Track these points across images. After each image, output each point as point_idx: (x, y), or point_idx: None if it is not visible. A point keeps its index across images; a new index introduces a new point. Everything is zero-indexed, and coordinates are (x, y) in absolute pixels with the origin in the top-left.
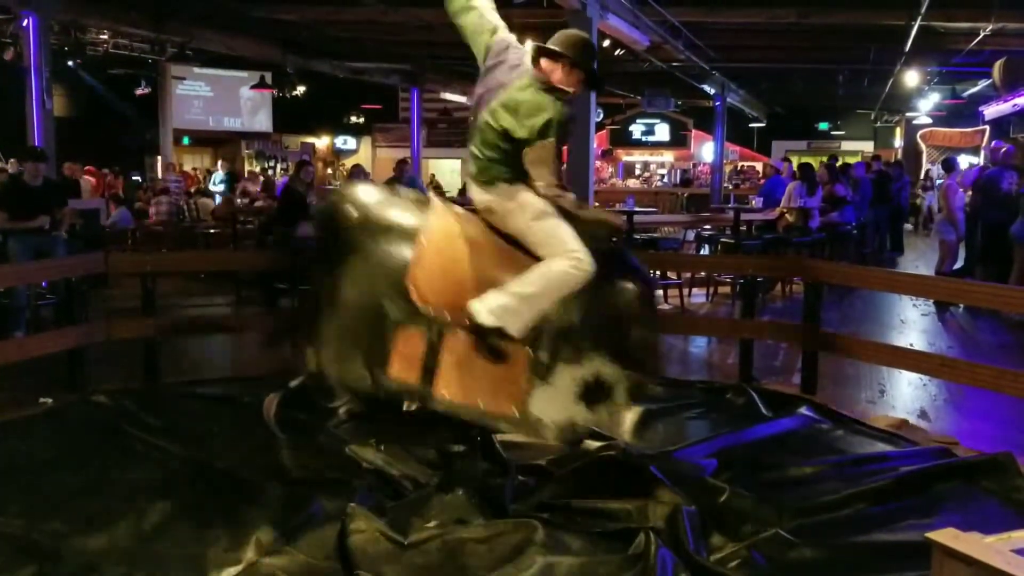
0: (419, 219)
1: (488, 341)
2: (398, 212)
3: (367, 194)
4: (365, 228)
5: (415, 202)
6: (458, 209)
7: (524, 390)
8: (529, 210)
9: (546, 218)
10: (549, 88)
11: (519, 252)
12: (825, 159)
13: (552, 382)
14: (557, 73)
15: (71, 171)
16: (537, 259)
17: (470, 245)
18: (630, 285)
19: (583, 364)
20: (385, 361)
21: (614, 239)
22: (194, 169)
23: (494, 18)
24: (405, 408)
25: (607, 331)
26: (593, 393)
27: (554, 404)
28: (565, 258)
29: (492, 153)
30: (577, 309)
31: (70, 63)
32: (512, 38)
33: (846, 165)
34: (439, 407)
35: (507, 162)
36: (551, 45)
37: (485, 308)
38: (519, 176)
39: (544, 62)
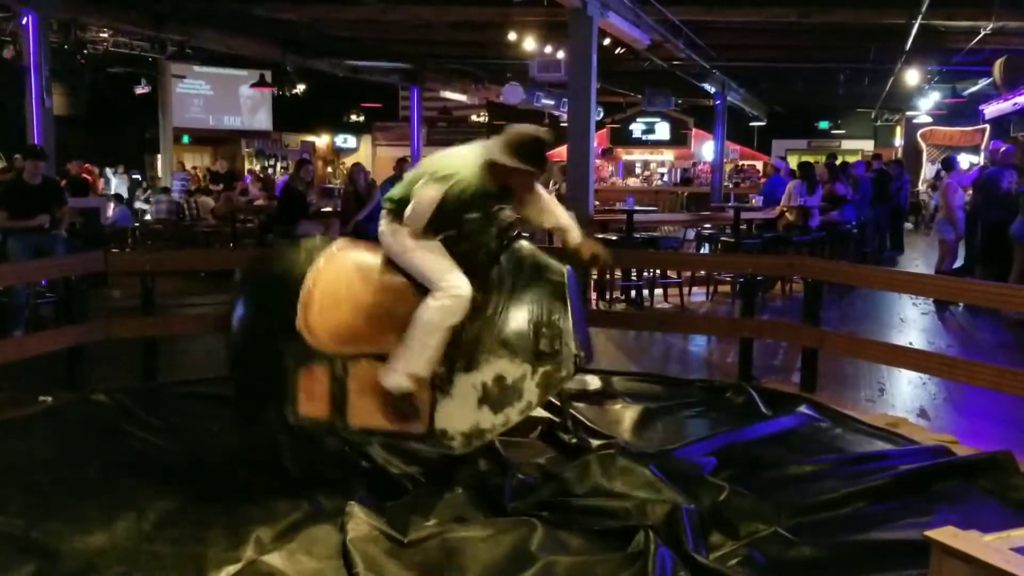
0: (300, 267)
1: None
2: (292, 263)
3: (272, 254)
4: (266, 282)
5: (313, 250)
6: (356, 247)
7: (427, 404)
8: (398, 244)
9: (412, 253)
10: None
11: (411, 281)
12: (824, 158)
13: (453, 392)
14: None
15: (78, 170)
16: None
17: (357, 280)
18: (530, 277)
19: (480, 369)
20: (294, 400)
21: (516, 234)
22: (194, 168)
23: None
24: None
25: (505, 329)
26: (499, 396)
27: (457, 414)
28: (434, 295)
29: (401, 195)
30: (468, 321)
31: (70, 61)
32: None
33: (845, 164)
34: (353, 436)
35: (398, 204)
36: (502, 139)
37: (393, 379)
38: (399, 216)
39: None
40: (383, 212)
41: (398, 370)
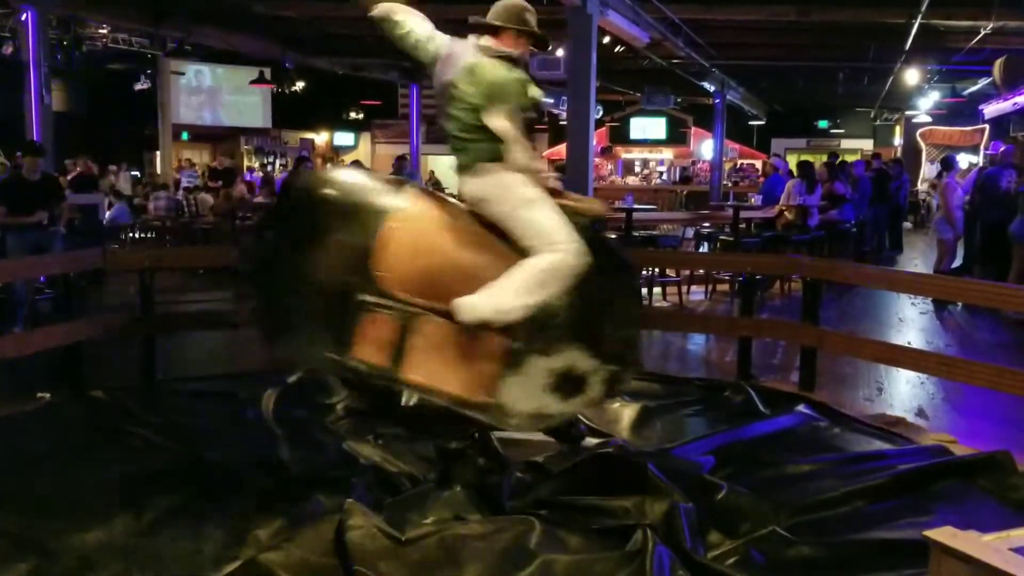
0: (390, 203)
1: (468, 332)
2: (369, 195)
3: (339, 175)
4: (333, 208)
5: (390, 185)
6: (435, 194)
7: (494, 377)
8: (514, 195)
9: (531, 206)
10: (499, 56)
11: (497, 238)
12: (825, 157)
13: (524, 372)
14: (504, 45)
15: (85, 167)
16: (515, 245)
17: (443, 231)
18: (613, 276)
19: (557, 356)
20: (350, 343)
21: (596, 226)
22: (193, 164)
23: (425, 30)
24: (403, 403)
25: (586, 323)
26: (566, 385)
27: (524, 393)
28: (551, 252)
29: (472, 134)
30: (560, 304)
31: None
32: (447, 38)
33: (844, 163)
34: (406, 389)
35: (488, 139)
36: (491, 20)
37: (470, 308)
38: (499, 155)
39: (488, 39)
40: (469, 170)
41: (483, 306)
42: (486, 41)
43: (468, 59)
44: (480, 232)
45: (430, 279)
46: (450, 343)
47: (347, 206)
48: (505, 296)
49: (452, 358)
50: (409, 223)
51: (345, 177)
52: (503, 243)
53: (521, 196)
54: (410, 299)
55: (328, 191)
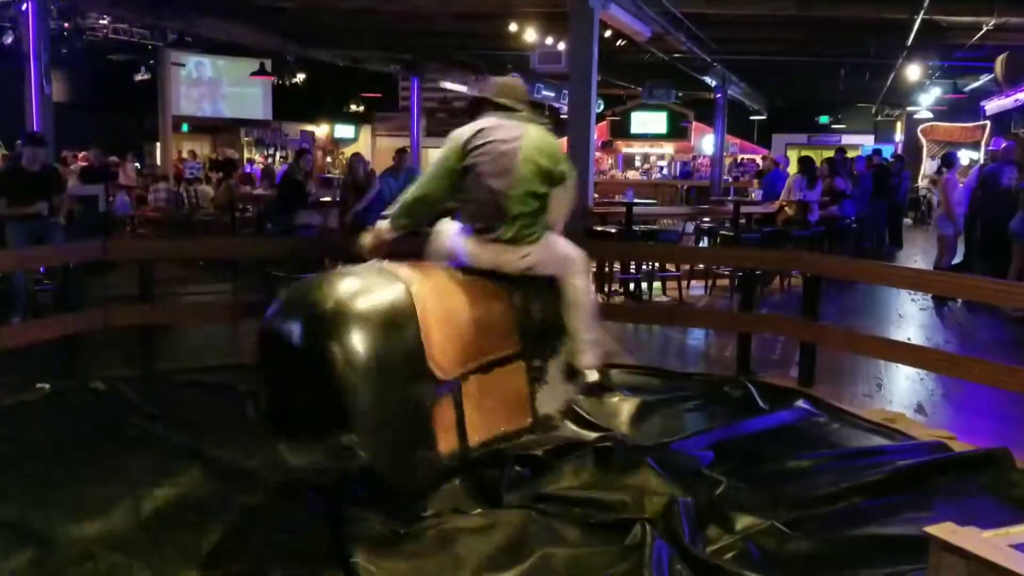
0: (402, 295)
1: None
2: (380, 297)
3: (341, 290)
4: (363, 327)
5: (385, 276)
6: (420, 265)
7: (529, 397)
8: (555, 250)
9: (559, 244)
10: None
11: (481, 278)
12: (830, 153)
13: (547, 379)
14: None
15: (93, 160)
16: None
17: (451, 296)
18: None
19: (561, 352)
20: (434, 443)
21: None
22: (195, 156)
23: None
24: None
25: (559, 314)
26: (571, 370)
27: (553, 396)
28: (575, 273)
29: (538, 203)
30: (550, 309)
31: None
32: (462, 131)
33: (845, 159)
34: (476, 454)
35: (547, 206)
36: (519, 99)
37: (591, 367)
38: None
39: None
40: (520, 243)
41: (591, 357)
42: (535, 117)
43: (538, 134)
44: (466, 278)
45: (461, 343)
46: (489, 391)
47: (377, 319)
48: (590, 334)
49: (494, 402)
50: (431, 307)
51: (351, 289)
52: (485, 279)
53: (559, 241)
54: (457, 372)
55: (350, 313)
